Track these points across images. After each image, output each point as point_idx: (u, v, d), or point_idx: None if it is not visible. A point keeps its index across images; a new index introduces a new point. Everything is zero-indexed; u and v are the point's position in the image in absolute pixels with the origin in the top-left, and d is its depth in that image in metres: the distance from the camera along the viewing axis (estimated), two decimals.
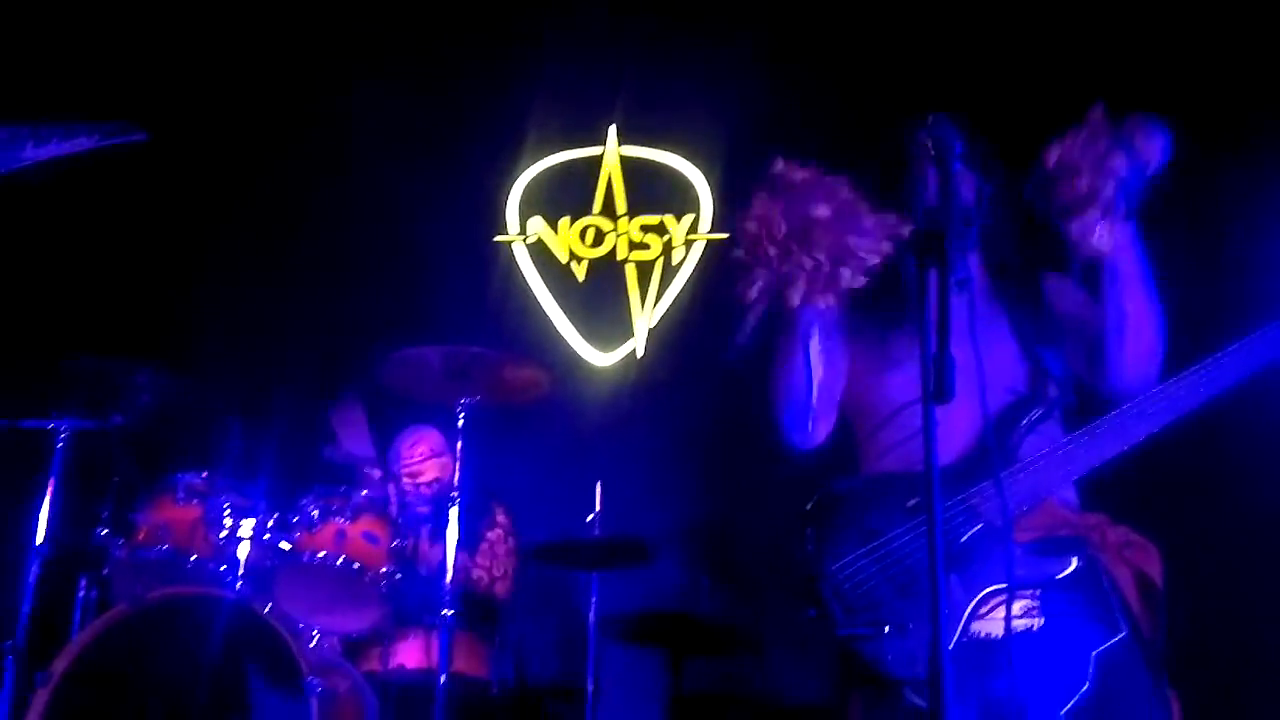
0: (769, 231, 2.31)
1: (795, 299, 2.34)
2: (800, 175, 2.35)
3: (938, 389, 1.86)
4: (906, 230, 2.28)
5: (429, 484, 4.52)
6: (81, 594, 3.95)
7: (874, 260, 2.33)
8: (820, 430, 2.62)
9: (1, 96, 4.71)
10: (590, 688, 4.15)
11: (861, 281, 2.34)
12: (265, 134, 5.76)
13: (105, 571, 3.84)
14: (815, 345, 2.50)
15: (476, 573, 4.35)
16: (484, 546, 4.42)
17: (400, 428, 4.66)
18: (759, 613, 4.72)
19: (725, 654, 4.75)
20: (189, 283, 5.53)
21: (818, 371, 2.53)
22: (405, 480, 4.51)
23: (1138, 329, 2.40)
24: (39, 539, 3.90)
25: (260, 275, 5.57)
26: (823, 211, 2.30)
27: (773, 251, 2.31)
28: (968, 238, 2.43)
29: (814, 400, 2.55)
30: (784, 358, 2.55)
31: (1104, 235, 2.30)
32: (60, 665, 3.42)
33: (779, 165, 2.34)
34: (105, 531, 3.86)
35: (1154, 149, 2.29)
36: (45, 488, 3.96)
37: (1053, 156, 2.32)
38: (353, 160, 5.67)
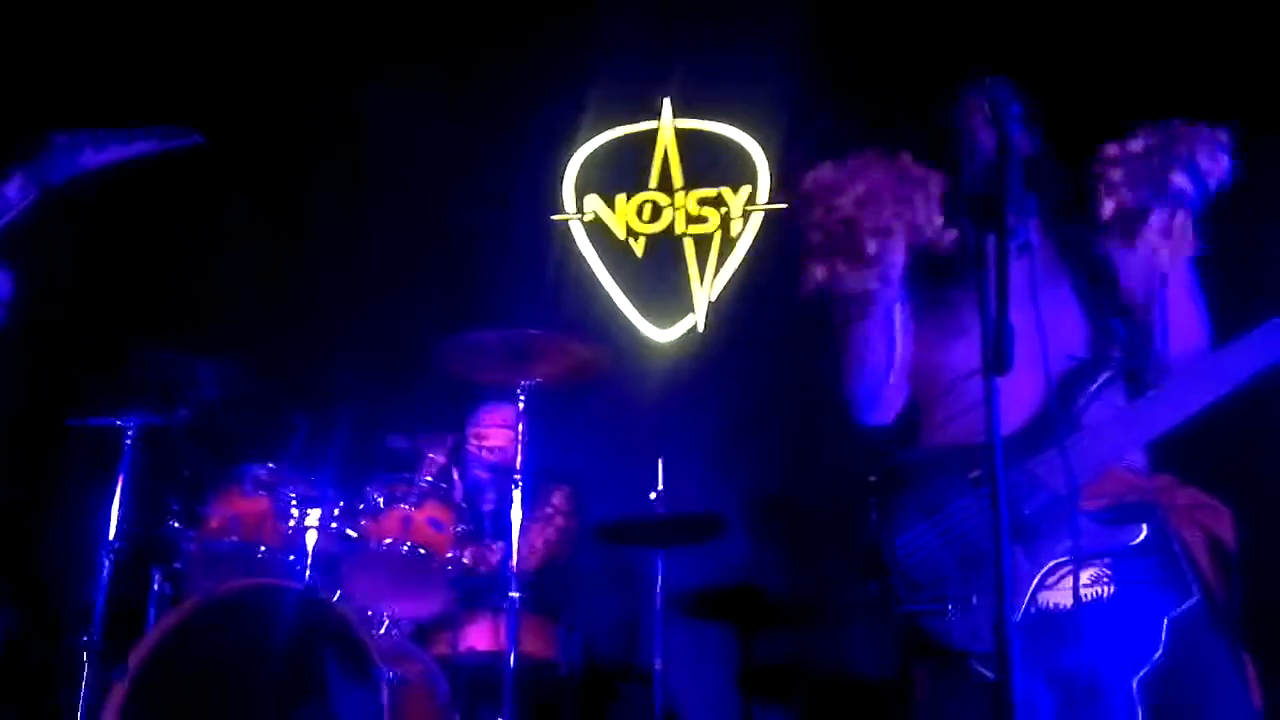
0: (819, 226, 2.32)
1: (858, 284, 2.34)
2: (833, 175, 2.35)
3: (996, 359, 1.82)
4: (962, 195, 2.25)
5: (491, 449, 4.56)
6: (155, 587, 4.01)
7: (930, 233, 2.32)
8: (894, 407, 2.58)
9: (61, 105, 4.81)
10: (659, 666, 4.14)
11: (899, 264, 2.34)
12: (320, 122, 5.79)
13: (178, 564, 3.90)
14: (896, 321, 2.47)
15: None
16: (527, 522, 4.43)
17: (459, 411, 4.68)
18: (827, 585, 4.68)
19: (794, 627, 4.73)
20: (249, 275, 5.59)
21: (896, 349, 2.50)
22: (471, 443, 4.55)
23: (1182, 334, 2.38)
24: (111, 534, 3.96)
25: (320, 264, 5.62)
26: (859, 191, 2.29)
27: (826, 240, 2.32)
28: (1027, 201, 2.38)
29: (890, 378, 2.51)
30: (858, 336, 2.51)
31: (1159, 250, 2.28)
32: (136, 658, 3.47)
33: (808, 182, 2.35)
34: (176, 525, 3.93)
35: (1218, 166, 2.25)
36: (116, 483, 4.02)
37: (1109, 152, 2.29)
38: (407, 145, 5.69)
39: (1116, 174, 2.32)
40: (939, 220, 2.36)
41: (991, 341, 1.83)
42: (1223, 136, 2.27)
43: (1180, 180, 2.25)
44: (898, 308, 2.50)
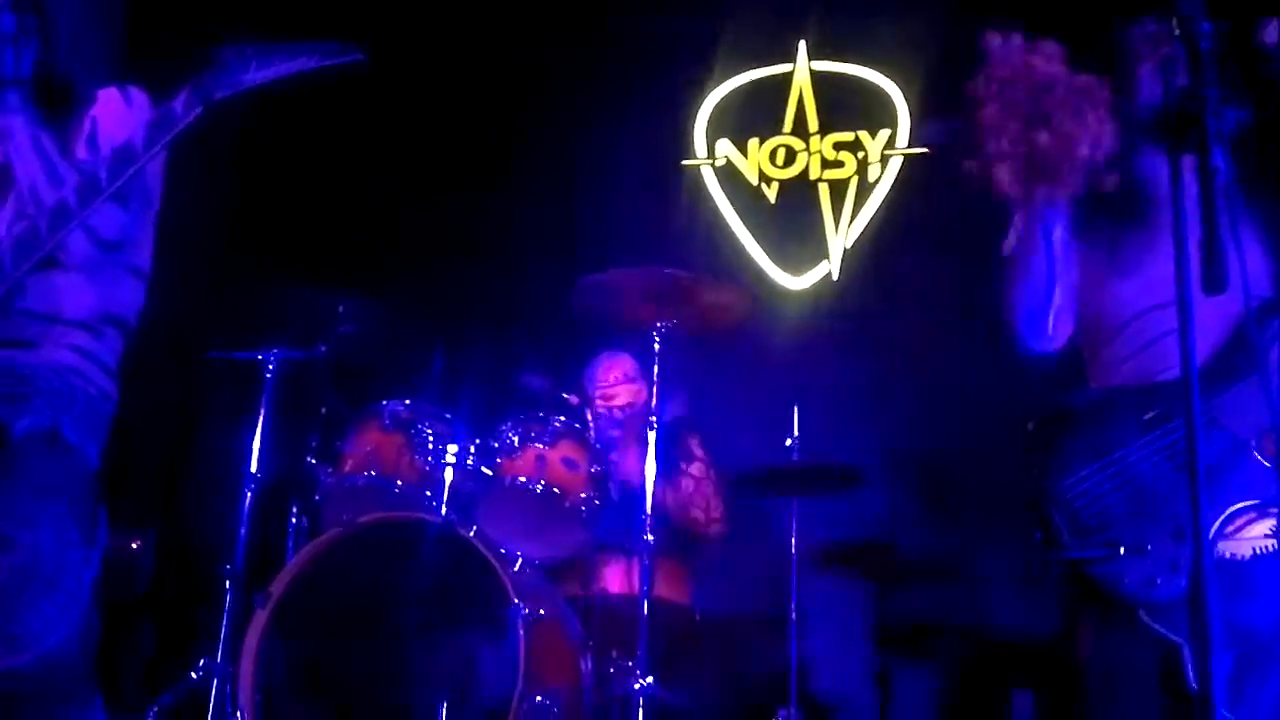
0: (1004, 115, 2.21)
1: (1037, 186, 2.22)
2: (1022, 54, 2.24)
3: (1208, 278, 1.71)
4: (1153, 118, 2.14)
5: (621, 408, 4.49)
6: (293, 521, 4.06)
7: (1106, 145, 2.20)
8: (1060, 332, 2.48)
9: (226, 21, 4.84)
10: (793, 617, 4.08)
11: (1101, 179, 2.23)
12: (460, 67, 5.77)
13: (316, 498, 3.93)
14: (1058, 236, 2.36)
15: (693, 512, 4.30)
16: (687, 484, 4.35)
17: (594, 353, 4.64)
18: (969, 538, 4.57)
19: (931, 582, 4.63)
20: (389, 213, 5.62)
21: (1060, 265, 2.39)
22: (598, 403, 4.51)
23: None
24: (253, 467, 4.02)
25: (457, 204, 5.62)
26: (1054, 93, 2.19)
27: (1008, 140, 2.21)
28: (1220, 124, 2.25)
29: (1056, 297, 2.40)
30: (1023, 251, 2.41)
31: None
32: (278, 587, 3.52)
33: (998, 42, 2.23)
34: (314, 460, 3.96)
35: None
36: (257, 417, 4.07)
37: None
38: (543, 89, 5.66)
39: None
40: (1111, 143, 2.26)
41: (1202, 260, 1.72)
42: None
43: None
44: (1060, 227, 2.39)
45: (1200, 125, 1.80)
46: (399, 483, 3.80)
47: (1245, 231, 2.39)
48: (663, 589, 4.00)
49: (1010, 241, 2.44)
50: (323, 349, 4.13)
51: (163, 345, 4.68)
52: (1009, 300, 2.47)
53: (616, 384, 4.55)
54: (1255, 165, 2.44)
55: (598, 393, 4.57)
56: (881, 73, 5.68)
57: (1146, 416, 2.25)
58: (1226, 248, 1.73)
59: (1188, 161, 1.86)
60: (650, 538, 3.69)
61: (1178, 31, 1.97)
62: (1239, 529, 2.20)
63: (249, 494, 4.01)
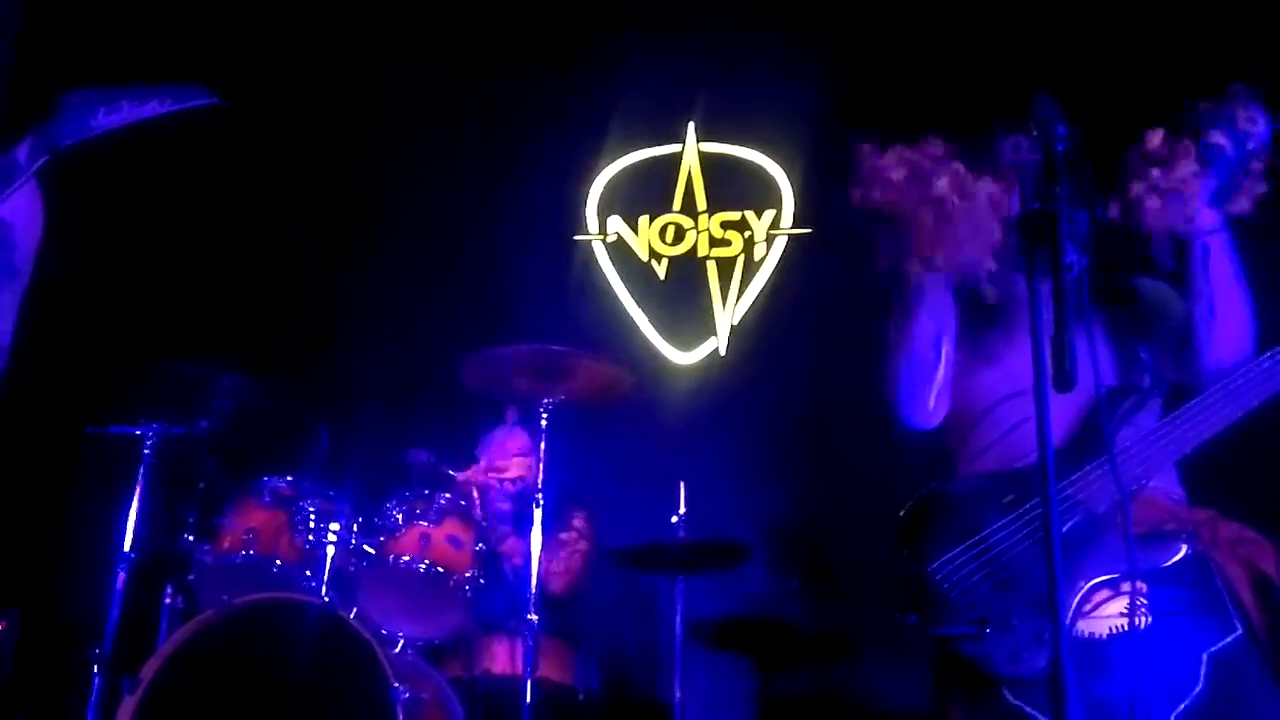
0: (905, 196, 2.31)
1: (927, 263, 2.32)
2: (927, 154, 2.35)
3: (1058, 375, 1.78)
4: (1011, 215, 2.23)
5: (512, 481, 4.48)
6: (167, 601, 3.96)
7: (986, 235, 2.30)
8: (939, 410, 2.55)
9: (76, 65, 4.74)
10: (678, 695, 4.07)
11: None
12: (349, 140, 5.78)
13: (191, 577, 3.84)
14: (948, 314, 2.44)
15: (552, 579, 4.31)
16: (554, 548, 4.38)
17: (487, 427, 4.64)
18: (851, 617, 4.61)
19: (816, 660, 4.64)
20: (273, 287, 5.56)
21: (946, 343, 2.46)
22: (490, 475, 4.49)
23: (1227, 312, 2.34)
24: (126, 545, 3.91)
25: (344, 278, 5.59)
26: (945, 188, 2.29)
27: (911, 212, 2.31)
28: (1076, 220, 2.36)
29: (939, 373, 2.48)
30: (910, 327, 2.48)
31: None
32: (148, 672, 3.42)
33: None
34: (191, 537, 3.88)
35: (1256, 127, 2.25)
36: (133, 493, 3.97)
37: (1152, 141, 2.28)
38: (434, 162, 5.68)
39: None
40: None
41: (1052, 357, 1.79)
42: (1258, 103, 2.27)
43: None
44: (952, 302, 2.48)
45: (1052, 226, 1.88)
46: (278, 562, 3.76)
47: (1095, 325, 2.51)
48: (546, 669, 3.97)
49: (895, 314, 2.51)
50: (204, 424, 4.06)
51: (36, 419, 4.59)
52: (891, 375, 2.53)
53: (510, 457, 4.55)
54: (1105, 262, 2.55)
55: (491, 466, 4.56)
56: (767, 155, 5.83)
57: (1006, 499, 2.31)
58: (1077, 345, 1.80)
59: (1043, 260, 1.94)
60: (534, 617, 3.67)
61: (1035, 134, 2.07)
62: (1096, 606, 2.24)
63: (122, 573, 3.89)
